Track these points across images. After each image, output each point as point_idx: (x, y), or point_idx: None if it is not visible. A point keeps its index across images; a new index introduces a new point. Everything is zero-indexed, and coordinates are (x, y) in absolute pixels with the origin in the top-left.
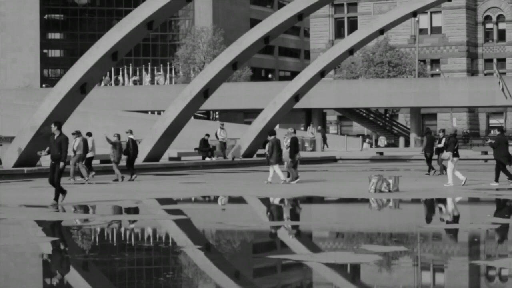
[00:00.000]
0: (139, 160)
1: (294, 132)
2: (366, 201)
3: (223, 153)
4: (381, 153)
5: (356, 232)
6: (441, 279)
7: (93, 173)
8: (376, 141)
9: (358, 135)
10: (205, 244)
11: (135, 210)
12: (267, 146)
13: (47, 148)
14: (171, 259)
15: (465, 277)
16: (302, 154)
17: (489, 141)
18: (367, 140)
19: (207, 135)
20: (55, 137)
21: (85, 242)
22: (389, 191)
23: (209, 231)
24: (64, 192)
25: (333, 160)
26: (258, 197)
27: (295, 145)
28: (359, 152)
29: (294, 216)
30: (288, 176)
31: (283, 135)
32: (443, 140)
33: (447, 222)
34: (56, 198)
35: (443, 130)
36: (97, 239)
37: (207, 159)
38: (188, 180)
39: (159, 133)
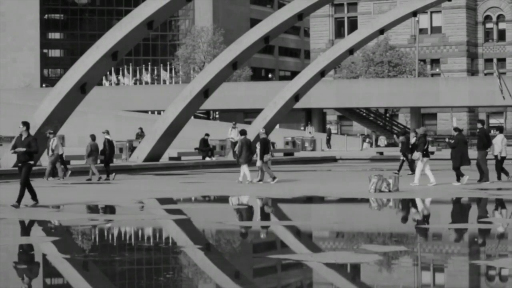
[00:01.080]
0: (139, 160)
1: (266, 133)
2: (366, 201)
3: (226, 153)
4: (381, 153)
5: (356, 232)
6: (441, 279)
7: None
8: (376, 140)
9: (358, 135)
10: (205, 244)
11: (135, 210)
12: (237, 146)
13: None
14: (171, 259)
15: (464, 276)
16: (302, 153)
17: (448, 140)
18: (367, 140)
19: (207, 134)
20: (23, 138)
21: (85, 241)
22: (389, 191)
23: (209, 231)
24: (35, 195)
25: (333, 160)
26: (258, 197)
27: (264, 146)
28: (359, 152)
29: (293, 216)
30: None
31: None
32: (413, 140)
33: (447, 222)
34: (19, 201)
35: (414, 131)
36: (97, 239)
37: (207, 159)
38: (188, 180)
39: (159, 133)
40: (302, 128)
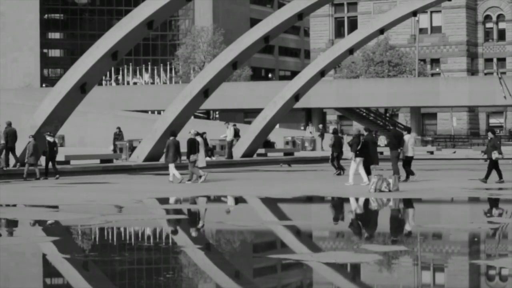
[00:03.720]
0: (139, 160)
1: (196, 134)
2: (366, 201)
3: (226, 153)
4: (381, 153)
5: (356, 232)
6: (441, 279)
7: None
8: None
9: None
10: (205, 244)
11: (135, 210)
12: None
13: None
14: (171, 259)
15: (464, 276)
16: (302, 153)
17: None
18: None
19: (204, 133)
20: None
21: (85, 241)
22: (389, 190)
23: (209, 231)
24: None
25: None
26: (258, 196)
27: (191, 146)
28: None
29: (293, 216)
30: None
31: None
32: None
33: (446, 222)
34: None
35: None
36: (97, 239)
37: (207, 158)
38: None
39: (159, 133)
40: (302, 128)
